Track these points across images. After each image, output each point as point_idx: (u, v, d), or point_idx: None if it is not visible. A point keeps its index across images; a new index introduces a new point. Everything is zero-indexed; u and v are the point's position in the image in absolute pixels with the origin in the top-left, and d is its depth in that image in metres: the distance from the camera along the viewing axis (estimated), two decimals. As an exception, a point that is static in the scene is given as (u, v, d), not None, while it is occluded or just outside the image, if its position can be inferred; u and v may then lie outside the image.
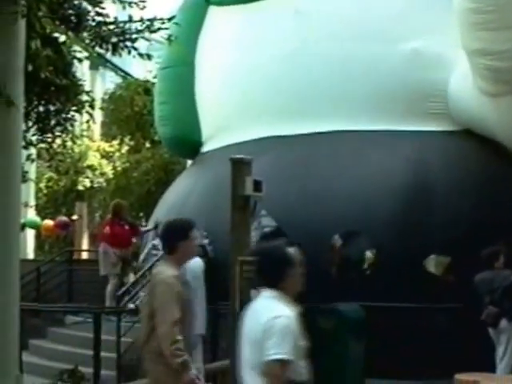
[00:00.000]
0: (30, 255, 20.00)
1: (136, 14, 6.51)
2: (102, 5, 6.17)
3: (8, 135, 5.06)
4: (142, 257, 12.36)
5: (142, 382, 7.65)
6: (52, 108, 6.62)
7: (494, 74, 9.07)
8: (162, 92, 13.66)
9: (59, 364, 9.31)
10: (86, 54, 6.61)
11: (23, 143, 6.13)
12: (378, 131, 10.58)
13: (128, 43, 6.35)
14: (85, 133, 19.13)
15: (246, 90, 11.89)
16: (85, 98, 6.88)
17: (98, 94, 19.86)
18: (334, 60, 11.06)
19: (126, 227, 12.59)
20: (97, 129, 21.30)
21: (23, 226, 16.35)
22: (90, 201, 21.03)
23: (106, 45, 6.28)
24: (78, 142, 17.70)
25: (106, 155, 20.71)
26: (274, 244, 4.03)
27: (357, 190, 10.10)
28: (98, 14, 6.20)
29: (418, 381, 8.60)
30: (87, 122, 7.50)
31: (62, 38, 5.98)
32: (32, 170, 16.20)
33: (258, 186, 7.15)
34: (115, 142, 20.62)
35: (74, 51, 6.53)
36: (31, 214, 19.30)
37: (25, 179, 6.98)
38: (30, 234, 20.03)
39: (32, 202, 19.67)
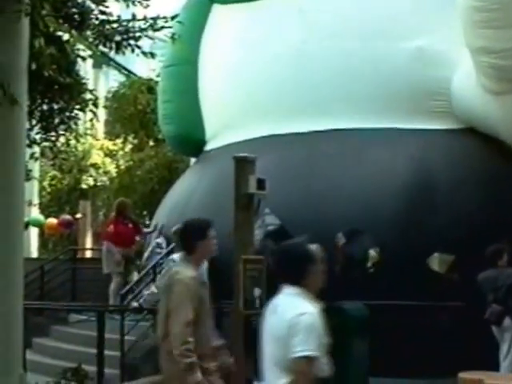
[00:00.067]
0: (34, 254, 20.05)
1: (139, 12, 6.51)
2: (106, 3, 6.17)
3: (12, 134, 5.07)
4: (145, 255, 12.37)
5: (145, 381, 7.67)
6: (56, 106, 6.63)
7: (498, 72, 9.06)
8: (166, 90, 13.67)
9: (63, 362, 9.32)
10: (89, 52, 6.62)
11: (27, 142, 6.15)
12: (381, 129, 10.58)
13: (131, 42, 6.35)
14: (88, 131, 19.16)
15: (249, 89, 11.89)
16: (88, 96, 6.89)
17: (102, 93, 19.90)
18: (337, 58, 11.06)
19: (130, 226, 12.58)
20: (100, 127, 21.28)
21: (27, 225, 16.38)
22: (94, 199, 21.04)
23: (109, 43, 6.29)
24: (82, 140, 17.71)
25: (110, 153, 20.71)
26: (296, 241, 4.07)
27: (360, 188, 10.09)
28: (102, 12, 6.20)
29: (421, 379, 8.60)
30: (91, 120, 7.48)
31: (66, 37, 5.98)
32: (36, 168, 16.22)
33: (261, 184, 7.16)
34: (119, 141, 20.63)
35: (78, 50, 6.54)
36: (35, 213, 19.33)
37: (28, 178, 7.00)
38: (34, 232, 20.06)
39: (36, 201, 19.70)
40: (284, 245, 4.15)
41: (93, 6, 6.14)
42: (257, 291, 6.99)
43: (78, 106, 6.78)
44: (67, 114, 6.78)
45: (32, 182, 17.12)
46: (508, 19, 8.46)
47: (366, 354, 7.74)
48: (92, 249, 19.77)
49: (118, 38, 6.28)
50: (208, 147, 13.13)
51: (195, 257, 4.98)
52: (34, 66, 5.44)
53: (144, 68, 21.29)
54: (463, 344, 8.42)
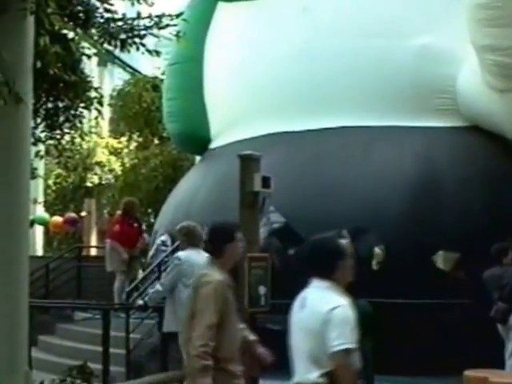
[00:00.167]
0: (39, 252, 20.08)
1: (144, 10, 6.50)
2: (111, 1, 6.16)
3: (17, 132, 5.06)
4: (150, 253, 12.37)
5: (150, 378, 7.67)
6: (61, 104, 6.62)
7: (503, 69, 9.06)
8: (171, 88, 13.68)
9: (68, 360, 9.33)
10: (94, 50, 6.60)
11: (32, 140, 6.14)
12: (386, 127, 10.57)
13: (136, 40, 6.34)
14: (93, 129, 19.20)
15: (254, 87, 11.89)
16: (93, 94, 6.88)
17: (107, 91, 19.88)
18: (342, 56, 11.05)
19: (135, 225, 12.54)
20: (105, 125, 21.31)
21: (32, 223, 16.39)
22: (99, 197, 21.05)
23: (114, 41, 6.27)
24: (87, 138, 17.74)
25: (115, 152, 20.72)
26: (327, 236, 4.13)
27: (365, 186, 10.09)
28: (107, 10, 6.19)
29: (426, 377, 8.59)
30: (96, 118, 7.50)
31: (71, 35, 5.98)
32: (41, 166, 16.27)
33: (266, 182, 7.15)
34: (123, 139, 20.64)
35: (83, 48, 6.53)
36: (40, 211, 19.37)
37: (34, 176, 6.99)
38: (39, 230, 20.10)
39: (41, 199, 19.78)
40: (314, 239, 4.17)
41: (98, 4, 6.14)
42: (262, 289, 6.98)
43: (82, 104, 6.77)
44: (72, 112, 6.77)
45: (37, 180, 17.16)
46: (513, 17, 8.45)
47: (371, 351, 7.73)
48: (97, 247, 19.77)
49: (122, 36, 6.27)
50: (213, 145, 13.13)
51: (223, 261, 4.94)
52: (39, 64, 5.44)
53: (149, 66, 21.28)
54: (468, 342, 8.42)
